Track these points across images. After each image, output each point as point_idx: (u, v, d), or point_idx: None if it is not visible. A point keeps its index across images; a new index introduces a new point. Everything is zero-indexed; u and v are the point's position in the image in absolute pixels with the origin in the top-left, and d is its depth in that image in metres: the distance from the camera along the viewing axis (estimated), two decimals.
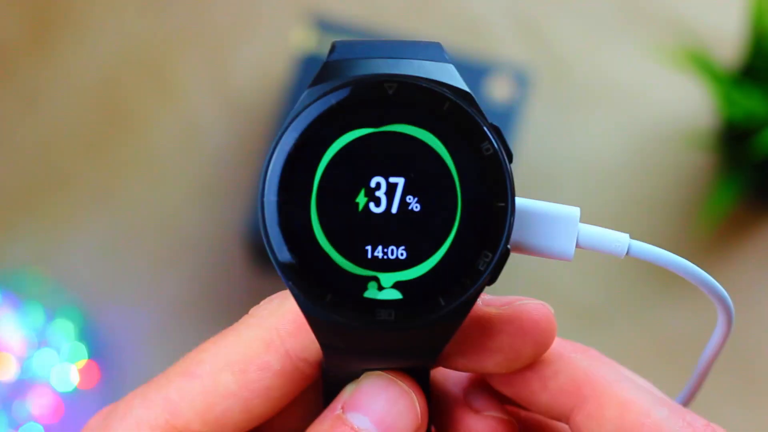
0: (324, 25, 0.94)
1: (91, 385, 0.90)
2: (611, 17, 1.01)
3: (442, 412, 0.35)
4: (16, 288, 0.91)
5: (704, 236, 0.95)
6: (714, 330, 0.36)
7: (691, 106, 0.98)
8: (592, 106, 0.99)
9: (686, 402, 0.39)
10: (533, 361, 0.33)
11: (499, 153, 0.30)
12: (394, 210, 0.30)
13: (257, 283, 0.94)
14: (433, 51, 0.31)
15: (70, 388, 0.87)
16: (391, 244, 0.30)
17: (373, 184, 0.30)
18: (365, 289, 0.30)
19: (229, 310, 0.92)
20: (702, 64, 0.89)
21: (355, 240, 0.30)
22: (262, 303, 0.34)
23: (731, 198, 0.90)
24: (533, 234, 0.32)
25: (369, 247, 0.30)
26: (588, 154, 0.97)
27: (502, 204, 0.30)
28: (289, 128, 0.30)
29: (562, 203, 0.33)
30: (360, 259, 0.30)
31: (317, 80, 0.30)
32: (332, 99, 0.30)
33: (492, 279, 0.30)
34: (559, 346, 0.34)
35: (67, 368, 0.88)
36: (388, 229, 0.30)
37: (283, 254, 0.30)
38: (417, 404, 0.32)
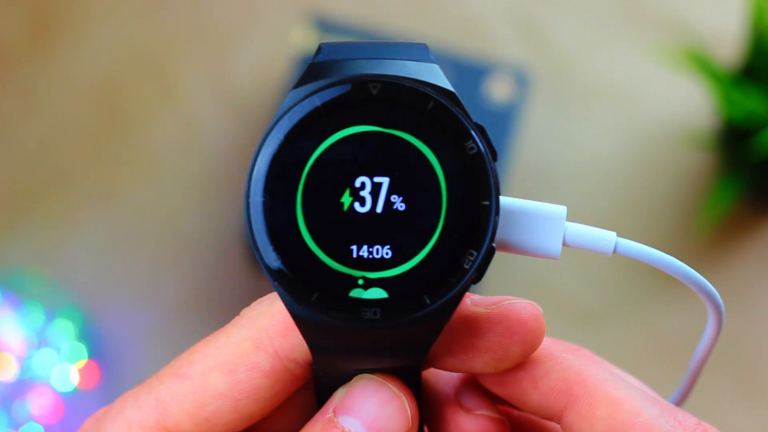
0: (324, 25, 0.94)
1: (91, 385, 0.90)
2: (611, 17, 1.01)
3: (433, 411, 0.35)
4: (16, 288, 0.91)
5: (704, 236, 0.95)
6: (705, 328, 0.36)
7: (691, 106, 0.98)
8: (592, 106, 0.98)
9: (681, 400, 0.39)
10: (522, 361, 0.33)
11: (483, 152, 0.30)
12: (379, 209, 0.30)
13: (257, 283, 0.94)
14: (418, 51, 0.31)
15: (70, 388, 0.87)
16: (376, 244, 0.30)
17: (358, 184, 0.30)
18: (351, 288, 0.30)
19: (229, 310, 0.92)
20: (702, 64, 0.89)
21: (341, 240, 0.30)
22: (252, 304, 0.34)
23: (731, 198, 0.90)
24: (519, 232, 0.32)
25: (354, 247, 0.30)
26: (588, 154, 0.97)
27: (487, 202, 0.30)
28: (274, 129, 0.30)
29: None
30: (345, 258, 0.30)
31: (302, 81, 0.31)
32: (317, 100, 0.30)
33: (477, 277, 0.30)
34: (550, 345, 0.34)
35: (67, 368, 0.88)
36: (373, 228, 0.30)
37: (269, 254, 0.30)
38: (408, 407, 0.33)
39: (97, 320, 0.93)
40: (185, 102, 0.98)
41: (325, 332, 0.31)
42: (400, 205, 0.30)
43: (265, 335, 0.33)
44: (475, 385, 0.35)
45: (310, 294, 0.30)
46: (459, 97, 0.30)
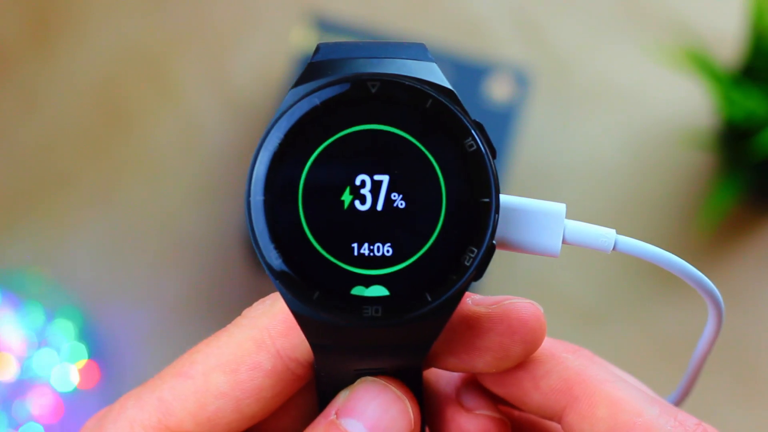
0: (324, 25, 0.94)
1: (91, 385, 0.90)
2: (611, 17, 1.01)
3: (434, 411, 0.35)
4: (16, 288, 0.91)
5: (704, 236, 0.95)
6: (705, 326, 0.36)
7: (691, 106, 0.98)
8: (592, 105, 0.98)
9: (681, 398, 0.39)
10: (523, 360, 0.33)
11: (483, 149, 0.30)
12: (379, 207, 0.30)
13: (257, 283, 0.94)
14: (416, 51, 0.31)
15: (70, 388, 0.87)
16: (377, 241, 0.30)
17: (358, 182, 0.30)
18: (352, 286, 0.30)
19: (229, 310, 0.92)
20: (702, 64, 0.89)
21: (342, 238, 0.30)
22: (254, 304, 0.34)
23: (731, 198, 0.90)
24: (519, 230, 0.32)
25: (355, 245, 0.30)
26: (588, 153, 0.97)
27: (487, 200, 0.30)
28: (274, 128, 0.30)
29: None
30: (346, 256, 0.30)
31: (301, 80, 0.31)
32: (316, 99, 0.30)
33: (478, 275, 0.30)
34: (550, 345, 0.34)
35: (67, 368, 0.88)
36: (373, 226, 0.30)
37: (270, 253, 0.30)
38: (410, 410, 0.33)
39: (97, 320, 0.93)
40: (185, 102, 0.98)
41: (327, 331, 0.31)
42: (400, 202, 0.30)
43: (266, 335, 0.33)
44: (475, 385, 0.35)
45: (312, 292, 0.30)
46: (458, 95, 0.31)
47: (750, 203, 0.95)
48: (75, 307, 0.92)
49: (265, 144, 0.30)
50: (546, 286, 0.94)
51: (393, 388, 0.33)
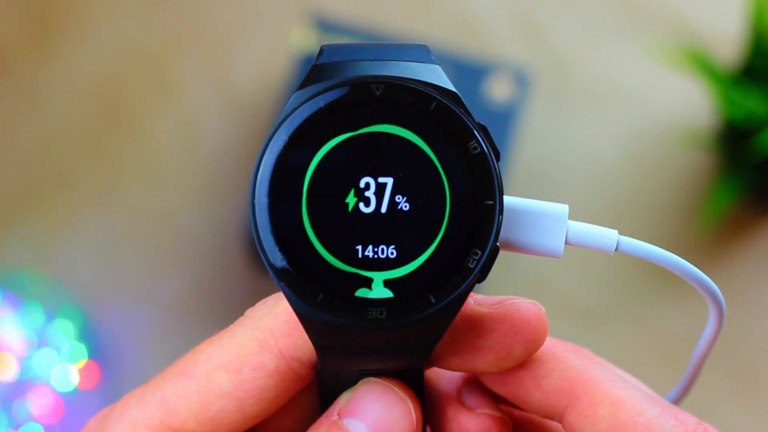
0: (324, 25, 0.94)
1: (91, 385, 0.90)
2: (611, 17, 1.01)
3: (436, 410, 0.35)
4: (16, 288, 0.91)
5: (704, 236, 0.95)
6: (706, 325, 0.36)
7: (691, 106, 0.98)
8: (592, 105, 0.99)
9: (681, 397, 0.39)
10: (525, 360, 0.33)
11: (486, 151, 0.30)
12: (383, 210, 0.31)
13: (257, 283, 0.94)
14: (419, 53, 0.31)
15: (70, 388, 0.87)
16: (381, 244, 0.30)
17: (362, 185, 0.30)
18: (356, 288, 0.30)
19: (229, 310, 0.92)
20: (702, 64, 0.89)
21: (346, 240, 0.30)
22: (257, 304, 0.34)
23: (731, 198, 0.90)
24: (522, 231, 0.32)
25: (359, 247, 0.30)
26: (588, 153, 0.97)
27: (491, 202, 0.30)
28: (279, 131, 0.30)
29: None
30: (351, 258, 0.30)
31: (305, 83, 0.31)
32: (320, 101, 0.30)
33: (482, 276, 0.31)
34: (551, 345, 0.34)
35: (67, 368, 0.88)
36: (378, 228, 0.30)
37: (275, 255, 0.30)
38: (412, 410, 0.33)
39: (97, 320, 0.93)
40: (185, 102, 0.98)
41: (331, 332, 0.31)
42: (404, 205, 0.31)
43: (269, 335, 0.33)
44: (476, 384, 0.35)
45: (316, 294, 0.30)
46: (461, 97, 0.31)
47: (750, 203, 0.95)
48: (75, 307, 0.92)
49: (269, 146, 0.30)
50: (547, 285, 0.94)
51: (395, 389, 0.33)
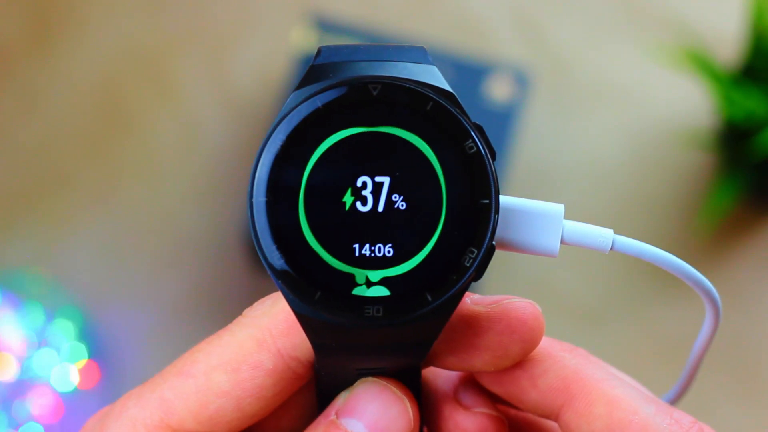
0: (324, 25, 0.94)
1: (91, 385, 0.90)
2: (611, 17, 1.01)
3: (432, 409, 0.36)
4: (16, 288, 0.91)
5: (704, 236, 0.95)
6: (703, 324, 0.36)
7: (691, 106, 0.98)
8: (592, 105, 0.99)
9: (679, 396, 0.39)
10: (521, 359, 0.33)
11: (483, 151, 0.31)
12: (380, 208, 0.31)
13: (257, 283, 0.94)
14: (416, 54, 0.32)
15: (70, 388, 0.88)
16: (378, 242, 0.31)
17: (359, 184, 0.31)
18: (353, 286, 0.30)
19: (229, 310, 0.92)
20: (702, 64, 0.89)
21: (343, 238, 0.31)
22: (255, 304, 0.35)
23: (731, 198, 0.90)
24: (518, 231, 0.33)
25: (356, 246, 0.31)
26: (588, 153, 0.97)
27: (486, 201, 0.31)
28: (276, 130, 0.31)
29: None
30: (348, 257, 0.31)
31: (303, 83, 0.31)
32: (318, 101, 0.31)
33: (478, 275, 0.31)
34: (547, 345, 0.34)
35: (67, 368, 0.88)
36: (374, 227, 0.31)
37: (273, 253, 0.30)
38: (410, 410, 0.33)
39: (97, 320, 0.93)
40: (185, 102, 0.98)
41: (329, 330, 0.31)
42: (401, 204, 0.31)
43: (267, 334, 0.33)
44: (473, 384, 0.35)
45: (314, 292, 0.30)
46: (458, 97, 0.31)
47: (750, 203, 0.95)
48: (75, 307, 0.92)
49: (267, 146, 0.31)
50: (545, 285, 0.94)
51: (393, 389, 0.33)
